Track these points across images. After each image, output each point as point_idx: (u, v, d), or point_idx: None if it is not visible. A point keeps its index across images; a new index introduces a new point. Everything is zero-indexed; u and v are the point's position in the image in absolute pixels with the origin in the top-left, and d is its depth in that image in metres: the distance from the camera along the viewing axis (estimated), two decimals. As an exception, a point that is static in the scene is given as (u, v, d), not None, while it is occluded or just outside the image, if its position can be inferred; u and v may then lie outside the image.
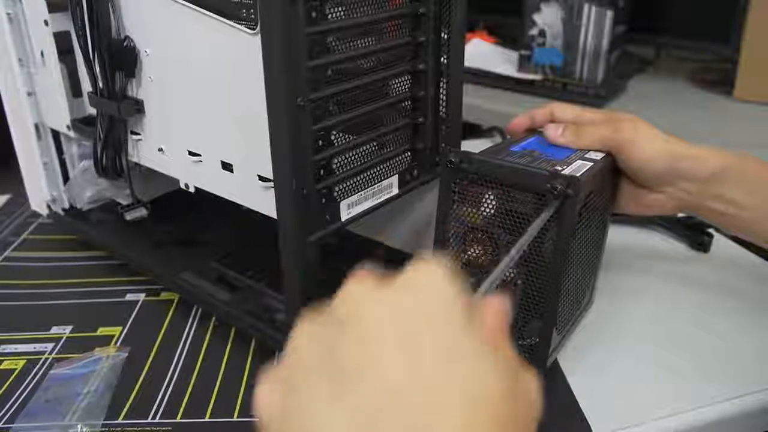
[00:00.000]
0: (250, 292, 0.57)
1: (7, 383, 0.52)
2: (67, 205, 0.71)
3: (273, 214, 0.45)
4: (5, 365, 0.54)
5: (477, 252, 0.48)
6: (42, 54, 0.61)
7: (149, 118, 0.55)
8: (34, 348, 0.56)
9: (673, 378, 0.51)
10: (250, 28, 0.42)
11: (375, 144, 0.49)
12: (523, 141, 0.54)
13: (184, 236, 0.67)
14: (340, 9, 0.43)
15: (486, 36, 1.39)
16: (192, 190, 0.54)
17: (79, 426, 0.47)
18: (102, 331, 0.58)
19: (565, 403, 0.49)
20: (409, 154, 0.53)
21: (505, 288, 0.47)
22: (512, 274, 0.47)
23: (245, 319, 0.53)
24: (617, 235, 0.60)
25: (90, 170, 0.64)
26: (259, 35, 0.41)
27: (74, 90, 0.61)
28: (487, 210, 0.47)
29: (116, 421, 0.48)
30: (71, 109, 0.62)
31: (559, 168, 0.46)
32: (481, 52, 1.32)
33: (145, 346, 0.56)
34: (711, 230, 0.70)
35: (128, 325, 0.59)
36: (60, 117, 0.63)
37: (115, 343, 0.57)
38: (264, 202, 0.46)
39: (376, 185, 0.50)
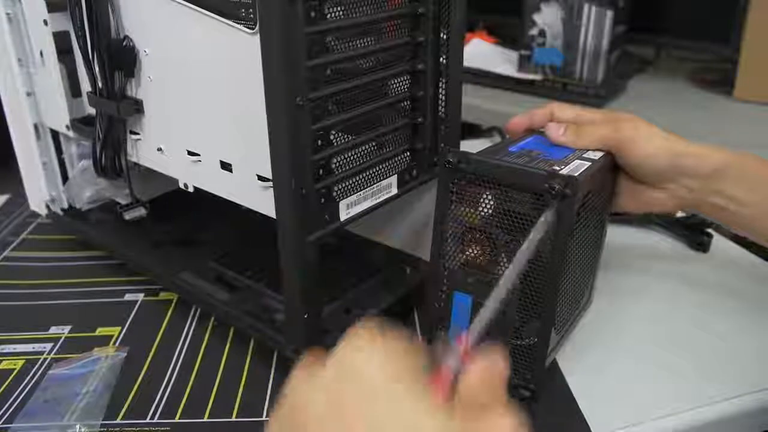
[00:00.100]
0: (249, 292, 0.57)
1: (6, 383, 0.52)
2: (66, 205, 0.71)
3: (272, 214, 0.45)
4: (4, 365, 0.54)
5: (475, 252, 0.48)
6: (41, 54, 0.61)
7: (148, 117, 0.55)
8: (33, 348, 0.56)
9: (673, 378, 0.51)
10: (249, 28, 0.42)
11: (374, 144, 0.49)
12: (521, 141, 0.54)
13: (183, 236, 0.67)
14: (339, 9, 0.43)
15: (486, 36, 1.39)
16: (191, 189, 0.54)
17: (77, 426, 0.47)
18: (101, 331, 0.58)
19: (564, 403, 0.49)
20: (408, 154, 0.53)
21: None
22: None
23: (244, 319, 0.53)
24: (617, 235, 0.60)
25: (89, 170, 0.64)
26: (258, 35, 0.41)
27: (73, 90, 0.61)
28: (485, 210, 0.47)
29: (115, 421, 0.48)
30: (70, 109, 0.62)
31: (557, 168, 0.46)
32: (481, 52, 1.32)
33: (144, 346, 0.56)
34: (710, 230, 0.70)
35: (127, 325, 0.59)
36: (59, 117, 0.63)
37: (114, 343, 0.57)
38: (263, 201, 0.46)
39: (375, 185, 0.50)
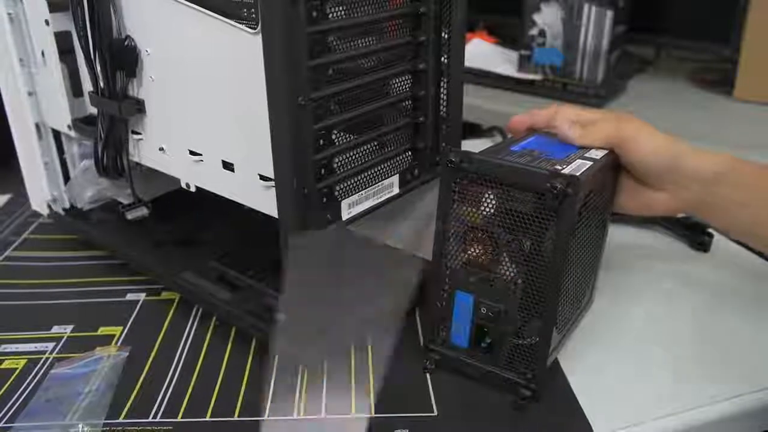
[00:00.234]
0: (250, 291, 0.57)
1: (8, 383, 0.52)
2: (67, 205, 0.71)
3: (274, 214, 0.45)
4: (6, 365, 0.54)
5: (477, 251, 0.48)
6: (43, 54, 0.61)
7: (150, 117, 0.55)
8: (35, 347, 0.56)
9: (673, 377, 0.51)
10: (251, 28, 0.42)
11: (376, 143, 0.50)
12: (523, 140, 0.54)
13: (184, 236, 0.67)
14: (340, 8, 0.43)
15: (486, 36, 1.39)
16: (193, 189, 0.54)
17: (80, 425, 0.47)
18: (103, 330, 0.58)
19: (565, 403, 0.49)
20: (409, 153, 0.53)
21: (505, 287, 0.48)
22: (512, 273, 0.47)
23: (246, 319, 0.53)
24: (617, 235, 0.60)
25: (91, 170, 0.64)
26: (260, 35, 0.41)
27: (75, 90, 0.61)
28: (487, 209, 0.47)
29: (117, 421, 0.48)
30: (72, 109, 0.62)
31: (559, 167, 0.46)
32: (481, 52, 1.32)
33: (146, 345, 0.56)
34: (711, 230, 0.70)
35: (129, 325, 0.59)
36: (61, 117, 0.63)
37: (116, 342, 0.57)
38: (265, 201, 0.46)
39: (376, 185, 0.50)
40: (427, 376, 0.52)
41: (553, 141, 0.54)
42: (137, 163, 0.59)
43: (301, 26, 0.40)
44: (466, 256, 0.49)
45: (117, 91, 0.54)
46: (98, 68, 0.54)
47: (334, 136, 0.46)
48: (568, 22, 1.15)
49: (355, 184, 0.48)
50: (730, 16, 1.16)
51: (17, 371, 0.53)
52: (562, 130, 0.55)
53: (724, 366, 0.53)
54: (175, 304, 0.62)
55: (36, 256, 0.70)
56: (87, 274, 0.67)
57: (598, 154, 0.51)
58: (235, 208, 0.51)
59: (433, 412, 0.48)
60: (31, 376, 0.52)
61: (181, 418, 0.48)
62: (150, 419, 0.48)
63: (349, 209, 0.48)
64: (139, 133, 0.57)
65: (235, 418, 0.48)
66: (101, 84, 0.55)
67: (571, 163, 0.48)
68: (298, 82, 0.41)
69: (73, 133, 0.63)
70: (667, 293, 0.63)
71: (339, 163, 0.46)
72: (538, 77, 1.21)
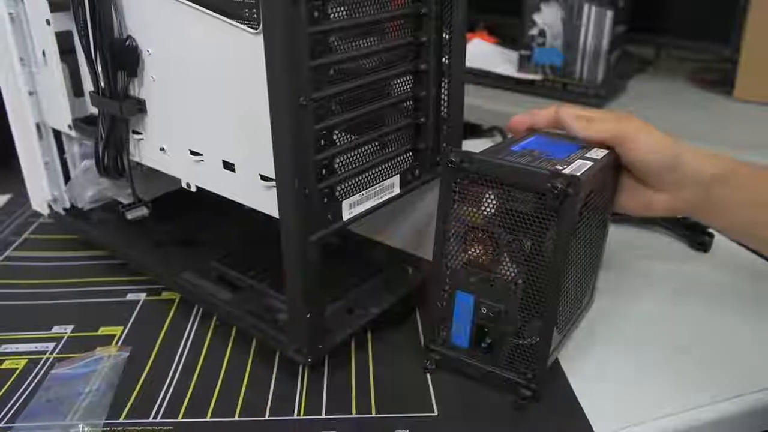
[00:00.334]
0: (251, 291, 0.57)
1: (9, 383, 0.52)
2: (68, 205, 0.71)
3: (275, 214, 0.45)
4: (6, 365, 0.54)
5: (477, 251, 0.48)
6: (44, 53, 0.61)
7: (151, 117, 0.55)
8: (36, 348, 0.56)
9: (674, 377, 0.51)
10: (252, 28, 0.42)
11: (377, 144, 0.50)
12: (523, 140, 0.54)
13: (185, 236, 0.67)
14: (342, 9, 0.43)
15: (486, 36, 1.39)
16: (193, 189, 0.54)
17: (80, 426, 0.47)
18: (103, 330, 0.58)
19: (565, 403, 0.49)
20: (410, 153, 0.53)
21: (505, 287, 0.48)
22: (513, 274, 0.47)
23: (246, 319, 0.53)
24: (617, 235, 0.60)
25: (91, 170, 0.64)
26: (262, 35, 0.41)
27: (76, 89, 0.61)
28: (488, 209, 0.47)
29: (117, 421, 0.48)
30: (73, 109, 0.62)
31: (560, 167, 0.46)
32: (482, 52, 1.32)
33: (147, 345, 0.56)
34: (711, 230, 0.70)
35: (129, 325, 0.59)
36: (61, 116, 0.63)
37: (117, 342, 0.57)
38: (266, 201, 0.46)
39: (377, 185, 0.50)
40: (428, 376, 0.52)
41: (554, 141, 0.54)
42: (138, 163, 0.59)
43: (302, 26, 0.40)
44: (467, 256, 0.49)
45: (118, 91, 0.54)
46: (99, 68, 0.54)
47: (335, 137, 0.46)
48: (568, 22, 1.15)
49: (356, 185, 0.48)
50: (730, 16, 1.16)
51: (17, 371, 0.53)
52: (566, 121, 0.55)
53: (724, 366, 0.53)
54: (175, 305, 0.62)
55: (36, 256, 0.70)
56: (87, 274, 0.67)
57: (598, 154, 0.52)
58: (235, 208, 0.51)
59: (433, 412, 0.48)
60: (31, 377, 0.52)
61: (182, 418, 0.48)
62: (150, 419, 0.48)
63: (350, 209, 0.48)
64: (140, 133, 0.57)
65: (236, 418, 0.48)
66: (102, 84, 0.55)
67: (572, 163, 0.48)
68: (300, 83, 0.41)
69: (73, 133, 0.63)
70: (667, 293, 0.63)
71: (340, 164, 0.46)
72: (538, 77, 1.21)
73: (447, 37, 0.52)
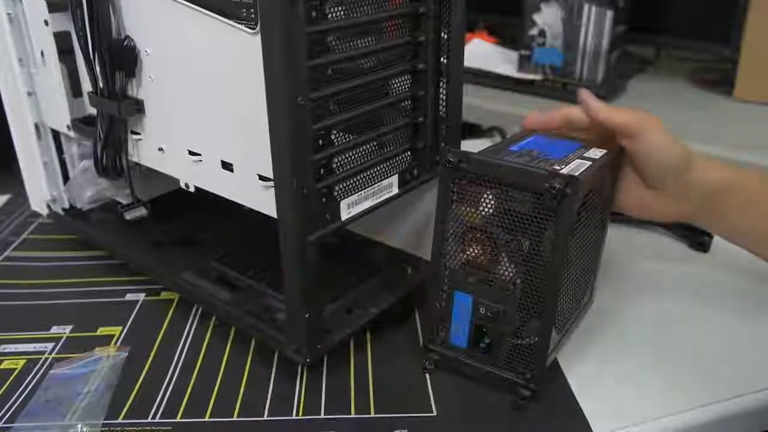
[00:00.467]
0: (250, 291, 0.57)
1: (8, 383, 0.52)
2: (67, 205, 0.71)
3: (273, 214, 0.45)
4: (5, 365, 0.54)
5: (476, 252, 0.48)
6: (42, 54, 0.61)
7: (149, 117, 0.55)
8: (34, 348, 0.56)
9: (673, 377, 0.51)
10: (250, 28, 0.42)
11: (375, 143, 0.49)
12: (521, 140, 0.54)
13: (184, 236, 0.67)
14: (340, 8, 0.43)
15: (486, 36, 1.38)
16: (192, 189, 0.54)
17: (79, 426, 0.47)
18: (102, 330, 0.58)
19: (564, 403, 0.49)
20: (409, 153, 0.53)
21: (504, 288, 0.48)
22: (511, 274, 0.47)
23: (245, 319, 0.53)
24: (617, 235, 0.60)
25: (90, 170, 0.64)
26: (259, 35, 0.41)
27: (74, 90, 0.61)
28: (486, 209, 0.47)
29: (116, 421, 0.48)
30: (71, 109, 0.62)
31: (558, 167, 0.46)
32: (481, 52, 1.31)
33: (145, 345, 0.56)
34: (711, 230, 0.70)
35: (128, 325, 0.59)
36: (60, 117, 0.63)
37: (115, 342, 0.57)
38: (264, 201, 0.46)
39: (376, 185, 0.50)
40: (427, 376, 0.52)
41: (552, 141, 0.54)
42: (136, 164, 0.59)
43: (300, 26, 0.40)
44: (465, 256, 0.49)
45: (116, 91, 0.54)
46: (97, 68, 0.54)
47: (333, 136, 0.46)
48: (568, 22, 1.15)
49: (354, 184, 0.48)
50: (730, 16, 1.16)
51: (17, 371, 0.53)
52: (585, 99, 0.55)
53: (724, 366, 0.53)
54: (174, 304, 0.62)
55: (35, 256, 0.70)
56: (86, 274, 0.67)
57: (597, 153, 0.51)
58: (234, 208, 0.51)
59: (432, 412, 0.48)
60: (30, 377, 0.52)
61: (181, 418, 0.48)
62: (149, 419, 0.48)
63: (348, 209, 0.48)
64: (139, 134, 0.57)
65: (234, 418, 0.48)
66: (100, 84, 0.55)
67: (570, 162, 0.48)
68: (298, 83, 0.41)
69: (72, 134, 0.63)
70: (666, 293, 0.63)
71: (338, 163, 0.46)
72: (538, 77, 1.21)
73: (445, 36, 0.51)
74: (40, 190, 0.70)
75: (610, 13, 1.11)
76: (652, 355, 0.54)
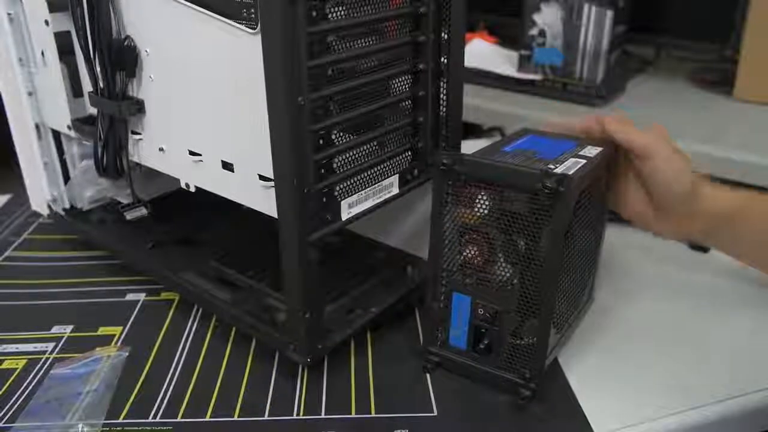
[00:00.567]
0: (250, 291, 0.57)
1: (8, 383, 0.52)
2: (67, 205, 0.71)
3: (274, 214, 0.45)
4: (6, 365, 0.54)
5: (473, 253, 0.48)
6: (43, 54, 0.61)
7: (150, 117, 0.55)
8: (35, 348, 0.56)
9: (673, 377, 0.51)
10: (250, 28, 0.42)
11: (375, 143, 0.49)
12: (516, 141, 0.54)
13: (184, 236, 0.67)
14: (340, 9, 0.43)
15: (486, 36, 1.38)
16: (192, 189, 0.54)
17: (79, 426, 0.47)
18: (103, 330, 0.58)
19: (564, 403, 0.49)
20: (409, 153, 0.53)
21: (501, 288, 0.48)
22: (508, 274, 0.47)
23: (246, 319, 0.53)
24: (617, 235, 0.60)
25: (90, 170, 0.64)
26: (260, 35, 0.41)
27: (75, 90, 0.61)
28: (481, 210, 0.47)
29: (117, 421, 0.48)
30: (72, 109, 0.62)
31: (552, 167, 0.46)
32: (481, 52, 1.31)
33: (146, 345, 0.56)
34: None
35: (129, 325, 0.59)
36: (60, 117, 0.63)
37: (116, 342, 0.57)
38: (265, 201, 0.46)
39: (376, 184, 0.50)
40: (427, 376, 0.52)
41: (547, 140, 0.54)
42: (137, 163, 0.59)
43: (300, 26, 0.40)
44: (462, 257, 0.49)
45: (117, 91, 0.54)
46: (98, 68, 0.54)
47: (333, 136, 0.46)
48: (568, 22, 1.15)
49: (354, 184, 0.48)
50: (730, 16, 1.16)
51: (17, 371, 0.53)
52: (604, 118, 0.55)
53: (725, 366, 0.53)
54: (175, 305, 0.62)
55: (36, 257, 0.71)
56: (87, 274, 0.67)
57: (592, 152, 0.51)
58: (234, 208, 0.51)
59: (432, 412, 0.48)
60: (31, 376, 0.53)
61: (181, 418, 0.48)
62: (150, 419, 0.48)
63: (348, 209, 0.48)
64: (139, 133, 0.57)
65: (235, 418, 0.48)
66: (101, 84, 0.55)
67: (564, 162, 0.48)
68: (298, 82, 0.41)
69: (72, 134, 0.63)
70: (666, 293, 0.63)
71: (339, 163, 0.46)
72: (538, 77, 1.21)
73: (446, 36, 0.51)
74: (41, 190, 0.70)
75: (610, 13, 1.11)
76: (653, 355, 0.54)
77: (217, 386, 0.51)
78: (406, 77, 0.51)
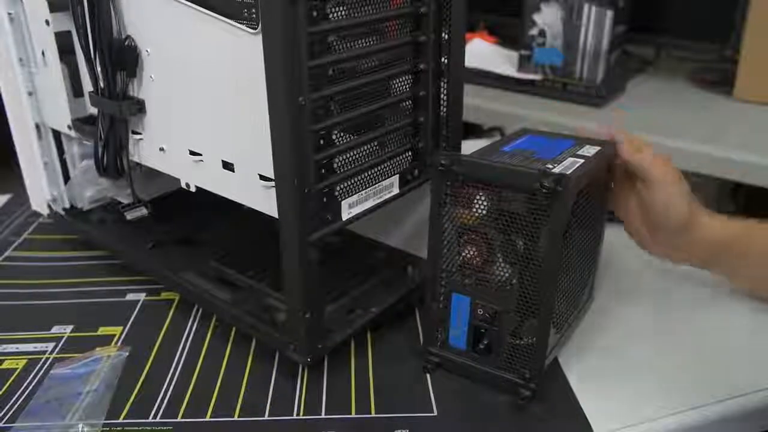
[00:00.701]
0: (250, 291, 0.57)
1: (8, 383, 0.52)
2: (67, 205, 0.71)
3: (274, 214, 0.45)
4: (6, 365, 0.54)
5: (472, 253, 0.48)
6: (43, 54, 0.61)
7: (150, 117, 0.55)
8: (35, 348, 0.56)
9: (673, 377, 0.51)
10: (251, 28, 0.42)
11: (376, 143, 0.49)
12: (514, 141, 0.54)
13: (184, 236, 0.67)
14: (341, 9, 0.43)
15: (486, 36, 1.38)
16: (193, 189, 0.54)
17: (80, 425, 0.47)
18: (103, 330, 0.58)
19: (564, 403, 0.49)
20: (409, 153, 0.53)
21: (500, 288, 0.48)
22: (507, 274, 0.47)
23: (246, 319, 0.53)
24: (617, 235, 0.60)
25: (91, 170, 0.64)
26: (261, 35, 0.41)
27: (75, 90, 0.61)
28: (480, 211, 0.47)
29: (117, 421, 0.48)
30: (72, 109, 0.62)
31: (550, 166, 0.46)
32: (481, 52, 1.31)
33: (146, 345, 0.56)
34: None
35: (129, 325, 0.59)
36: (61, 117, 0.63)
37: (116, 342, 0.57)
38: (265, 201, 0.46)
39: (377, 185, 0.50)
40: (427, 376, 0.52)
41: (545, 140, 0.54)
42: (137, 163, 0.59)
43: (301, 26, 0.40)
44: (461, 258, 0.49)
45: (117, 91, 0.54)
46: (98, 68, 0.54)
47: (334, 136, 0.46)
48: (568, 22, 1.15)
49: (355, 184, 0.48)
50: (730, 16, 1.16)
51: (17, 371, 0.53)
52: (625, 143, 0.55)
53: (725, 366, 0.53)
54: (175, 304, 0.62)
55: (36, 256, 0.70)
56: (87, 274, 0.67)
57: (590, 151, 0.51)
58: (234, 208, 0.51)
59: (432, 412, 0.48)
60: (31, 376, 0.52)
61: (181, 418, 0.48)
62: (150, 419, 0.48)
63: (349, 209, 0.48)
64: (140, 133, 0.57)
65: (235, 417, 0.48)
66: (101, 84, 0.55)
67: (562, 161, 0.48)
68: (299, 82, 0.41)
69: (73, 133, 0.63)
70: (666, 293, 0.63)
71: (339, 163, 0.46)
72: (538, 77, 1.21)
73: (446, 36, 0.51)
74: (41, 189, 0.70)
75: (610, 13, 1.11)
76: (653, 355, 0.54)
77: (217, 386, 0.51)
78: (407, 77, 0.51)
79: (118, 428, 0.47)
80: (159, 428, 0.47)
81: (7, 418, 0.48)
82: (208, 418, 0.48)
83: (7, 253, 0.71)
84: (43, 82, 0.64)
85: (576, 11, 1.14)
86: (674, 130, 0.97)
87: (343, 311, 0.55)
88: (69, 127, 0.63)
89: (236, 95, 0.46)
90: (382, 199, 0.51)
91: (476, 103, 1.14)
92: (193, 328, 0.58)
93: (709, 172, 0.92)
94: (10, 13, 0.61)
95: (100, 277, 0.66)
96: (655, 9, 1.29)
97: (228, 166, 0.49)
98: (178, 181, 0.55)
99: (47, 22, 0.59)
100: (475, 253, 0.48)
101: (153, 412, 0.49)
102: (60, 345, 0.56)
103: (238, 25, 0.43)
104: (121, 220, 0.64)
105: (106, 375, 0.52)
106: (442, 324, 0.51)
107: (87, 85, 0.58)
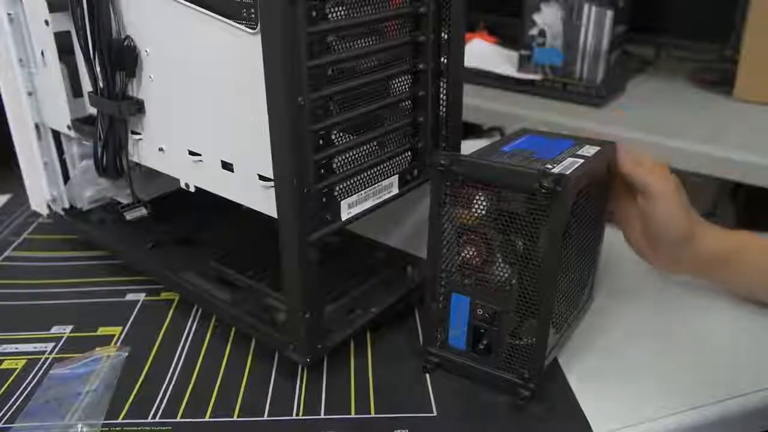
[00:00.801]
0: (250, 291, 0.57)
1: (8, 383, 0.52)
2: (67, 205, 0.71)
3: (273, 214, 0.45)
4: (5, 365, 0.54)
5: (471, 253, 0.48)
6: (43, 54, 0.61)
7: (149, 117, 0.55)
8: (35, 348, 0.56)
9: (673, 378, 0.51)
10: (250, 28, 0.42)
11: (375, 143, 0.49)
12: (514, 141, 0.54)
13: (184, 236, 0.67)
14: (340, 9, 0.43)
15: (486, 36, 1.38)
16: (192, 189, 0.54)
17: (79, 426, 0.47)
18: (102, 330, 0.58)
19: (564, 403, 0.49)
20: (409, 153, 0.53)
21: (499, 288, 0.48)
22: (507, 274, 0.47)
23: (245, 319, 0.53)
24: (617, 235, 0.60)
25: (90, 170, 0.64)
26: (260, 35, 0.41)
27: (75, 90, 0.61)
28: (479, 211, 0.47)
29: (116, 421, 0.48)
30: (72, 109, 0.62)
31: (549, 166, 0.46)
32: (481, 52, 1.31)
33: (146, 345, 0.56)
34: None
35: (128, 325, 0.59)
36: (60, 117, 0.63)
37: (116, 342, 0.57)
38: (264, 201, 0.46)
39: (376, 185, 0.50)
40: (427, 376, 0.52)
41: (545, 140, 0.54)
42: (137, 164, 0.59)
43: (300, 26, 0.40)
44: (461, 258, 0.49)
45: (116, 91, 0.54)
46: (98, 68, 0.54)
47: (333, 136, 0.46)
48: (568, 22, 1.15)
49: (354, 184, 0.48)
50: (730, 16, 1.16)
51: (17, 371, 0.53)
52: (621, 151, 0.55)
53: (725, 365, 0.53)
54: (174, 305, 0.62)
55: (35, 257, 0.70)
56: (87, 274, 0.67)
57: (590, 151, 0.51)
58: (234, 208, 0.51)
59: (432, 412, 0.48)
60: (30, 377, 0.52)
61: (181, 418, 0.48)
62: (149, 419, 0.48)
63: (348, 209, 0.48)
64: (139, 133, 0.57)
65: (235, 418, 0.48)
66: (101, 84, 0.55)
67: (562, 161, 0.48)
68: (298, 83, 0.41)
69: (72, 134, 0.63)
70: (666, 293, 0.63)
71: (339, 163, 0.46)
72: (538, 77, 1.21)
73: (445, 36, 0.51)
74: (41, 190, 0.70)
75: (610, 13, 1.11)
76: (653, 355, 0.54)
77: (216, 386, 0.51)
78: (406, 77, 0.51)
79: (118, 428, 0.47)
80: (158, 428, 0.47)
81: (6, 418, 0.48)
82: (207, 418, 0.48)
83: (6, 253, 0.71)
84: (42, 83, 0.64)
85: (576, 11, 1.14)
86: (674, 130, 0.97)
87: (342, 311, 0.55)
88: (68, 128, 0.63)
89: (235, 95, 0.46)
90: (381, 199, 0.51)
91: (476, 103, 1.14)
92: (193, 328, 0.58)
93: (709, 172, 0.92)
94: (9, 14, 0.61)
95: (99, 277, 0.66)
96: (655, 9, 1.29)
97: (227, 166, 0.49)
98: (177, 181, 0.55)
99: (47, 23, 0.59)
100: (475, 253, 0.48)
101: (152, 412, 0.49)
102: (59, 345, 0.56)
103: (238, 25, 0.43)
104: (121, 220, 0.64)
105: (106, 375, 0.52)
106: (441, 324, 0.51)
107: (86, 86, 0.58)
